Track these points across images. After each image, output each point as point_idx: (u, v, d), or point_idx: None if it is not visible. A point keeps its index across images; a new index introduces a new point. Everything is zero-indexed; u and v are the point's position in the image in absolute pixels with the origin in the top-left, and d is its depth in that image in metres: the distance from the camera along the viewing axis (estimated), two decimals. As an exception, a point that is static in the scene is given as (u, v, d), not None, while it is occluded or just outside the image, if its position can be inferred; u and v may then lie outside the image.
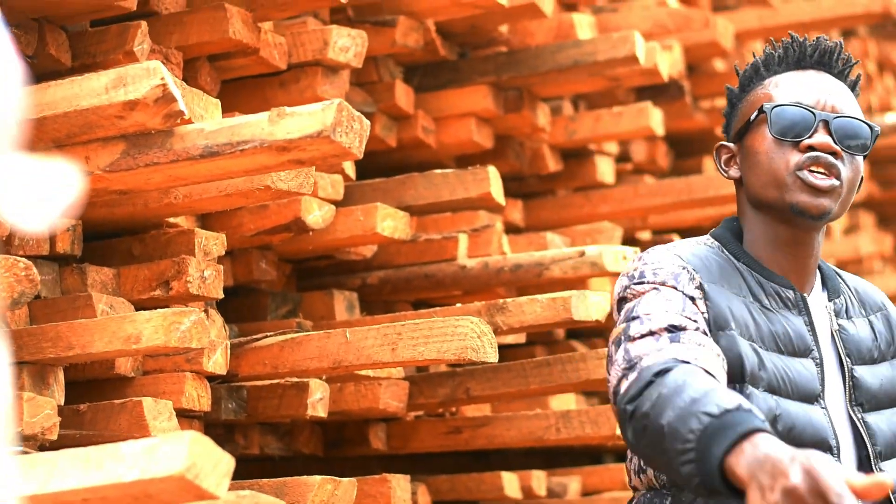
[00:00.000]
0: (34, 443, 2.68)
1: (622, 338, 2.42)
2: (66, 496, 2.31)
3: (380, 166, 3.94)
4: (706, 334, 2.44)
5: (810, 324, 2.57)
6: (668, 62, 4.57)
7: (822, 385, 2.53)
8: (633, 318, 2.44)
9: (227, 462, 2.37)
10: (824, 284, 2.67)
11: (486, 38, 4.03)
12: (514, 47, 4.05)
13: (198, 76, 3.26)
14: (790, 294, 2.57)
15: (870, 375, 2.59)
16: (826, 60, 2.63)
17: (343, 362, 3.09)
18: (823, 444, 2.50)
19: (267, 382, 3.29)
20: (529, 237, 4.00)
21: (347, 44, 3.40)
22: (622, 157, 4.69)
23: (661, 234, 4.61)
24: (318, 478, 3.06)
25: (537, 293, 3.41)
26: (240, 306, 3.61)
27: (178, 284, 3.00)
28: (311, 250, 3.54)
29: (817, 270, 2.66)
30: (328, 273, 3.78)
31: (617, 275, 3.52)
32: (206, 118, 2.93)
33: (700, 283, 2.52)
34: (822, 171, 2.52)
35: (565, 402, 4.04)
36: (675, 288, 2.50)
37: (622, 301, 2.54)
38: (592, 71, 3.90)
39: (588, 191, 4.34)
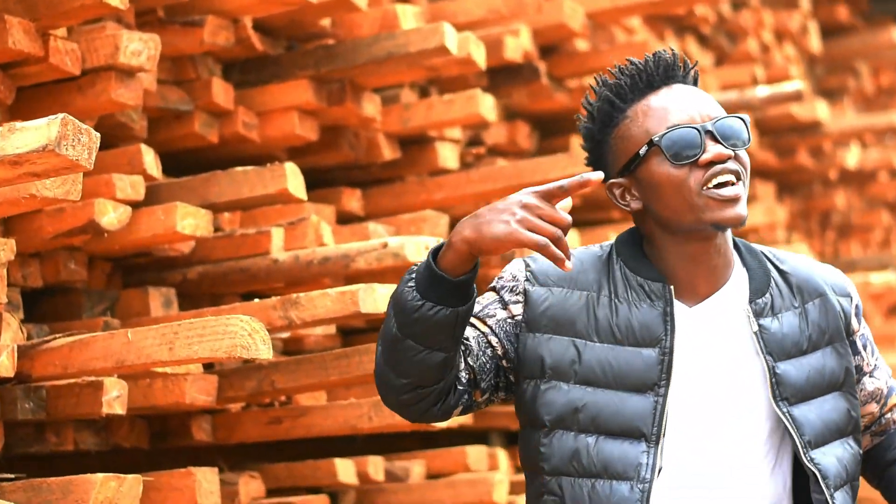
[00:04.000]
0: None
1: None
2: None
3: (208, 162, 4.01)
4: (486, 323, 2.65)
5: (668, 316, 2.63)
6: (514, 46, 4.64)
7: (666, 375, 2.60)
8: None
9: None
10: (750, 284, 2.69)
11: (309, 33, 4.09)
12: (340, 39, 4.11)
13: (-11, 85, 3.34)
14: (656, 287, 2.63)
15: (795, 370, 2.64)
16: (672, 73, 2.67)
17: (126, 361, 3.17)
18: (635, 432, 2.58)
19: (64, 382, 3.37)
20: (355, 228, 4.07)
21: (139, 48, 3.46)
22: (474, 142, 4.75)
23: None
24: (100, 475, 3.14)
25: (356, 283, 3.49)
26: (56, 305, 3.69)
27: (-42, 291, 3.08)
28: (119, 249, 3.62)
29: (736, 266, 2.69)
30: (151, 269, 3.86)
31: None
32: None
33: (523, 290, 2.65)
34: (726, 180, 2.58)
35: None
36: (496, 290, 2.68)
37: None
38: (409, 62, 3.96)
39: (425, 178, 4.40)
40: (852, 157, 7.30)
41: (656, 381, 2.61)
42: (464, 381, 2.61)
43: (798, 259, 2.78)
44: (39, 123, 2.63)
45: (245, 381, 3.63)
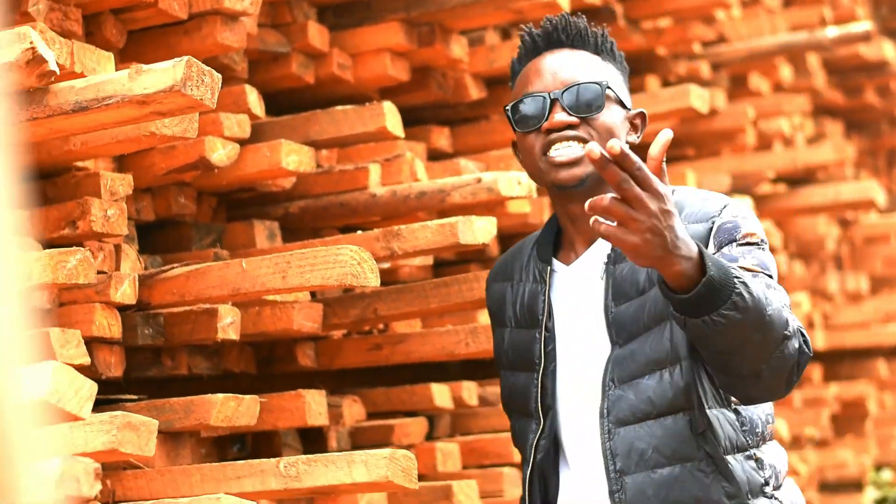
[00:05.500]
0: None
1: None
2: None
3: (304, 102, 4.19)
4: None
5: (545, 296, 2.80)
6: (592, -11, 4.79)
7: (541, 355, 2.78)
8: None
9: (89, 388, 2.66)
10: None
11: (399, -22, 4.26)
12: (427, -16, 4.28)
13: (103, 30, 3.53)
14: (543, 268, 2.82)
15: (625, 311, 2.71)
16: (556, 38, 2.83)
17: (241, 289, 3.37)
18: (526, 410, 2.83)
19: (181, 309, 3.58)
20: (446, 164, 4.25)
21: (244, -8, 3.65)
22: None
23: (591, 154, 4.82)
24: (220, 395, 3.36)
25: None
26: (167, 238, 3.89)
27: (83, 223, 3.28)
28: (225, 185, 3.81)
29: None
30: (253, 204, 4.05)
31: (512, 199, 3.78)
32: (98, 71, 3.19)
33: (487, 289, 3.03)
34: (565, 145, 2.73)
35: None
36: None
37: None
38: (496, 4, 4.12)
39: (511, 116, 4.57)
40: (919, 96, 7.42)
41: (536, 360, 2.79)
42: None
43: (683, 196, 2.77)
44: (165, 65, 2.83)
45: (349, 310, 3.82)
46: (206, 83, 2.81)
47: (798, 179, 6.24)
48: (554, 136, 2.74)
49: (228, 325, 3.57)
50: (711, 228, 2.69)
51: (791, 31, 6.28)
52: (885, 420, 7.19)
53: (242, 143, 3.72)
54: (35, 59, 2.82)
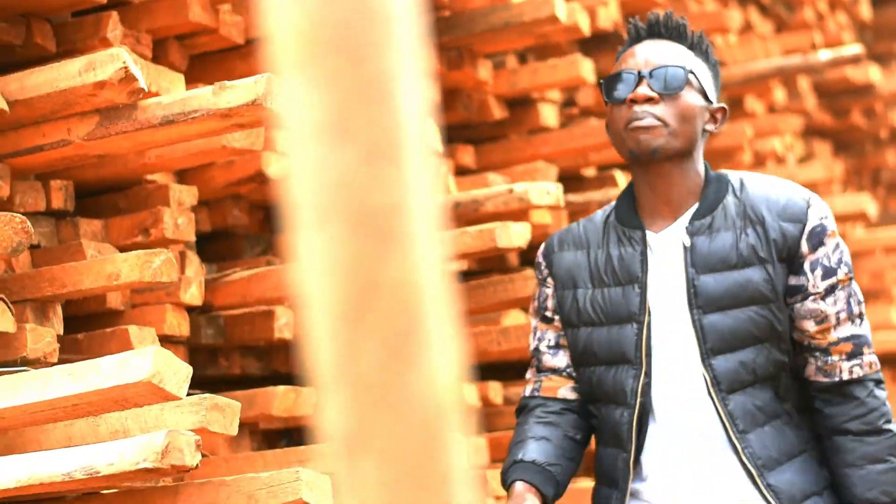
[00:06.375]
0: (38, 365, 3.27)
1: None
2: (58, 402, 2.91)
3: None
4: (549, 320, 3.25)
5: (644, 255, 3.09)
6: (606, 15, 5.12)
7: (644, 306, 3.07)
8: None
9: (185, 370, 2.95)
10: (698, 208, 3.10)
11: (429, 4, 4.58)
12: (455, 11, 4.60)
13: (168, 54, 3.83)
14: (636, 234, 3.11)
15: (714, 282, 3.04)
16: (656, 30, 3.17)
17: (299, 291, 3.67)
18: (622, 359, 3.09)
19: (239, 311, 3.87)
20: (475, 178, 4.56)
21: (296, 19, 3.95)
22: (569, 103, 5.24)
23: (604, 170, 5.15)
24: (281, 388, 3.66)
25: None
26: (220, 248, 4.19)
27: (156, 231, 3.59)
28: (275, 197, 4.12)
29: (698, 195, 3.11)
30: (297, 217, 4.35)
31: (543, 207, 4.10)
32: (170, 91, 3.50)
33: (547, 264, 3.25)
34: (642, 117, 3.04)
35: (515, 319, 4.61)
36: (537, 279, 3.29)
37: None
38: (522, 30, 4.44)
39: (532, 135, 4.89)
40: (902, 118, 7.78)
41: (637, 312, 3.09)
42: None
43: (763, 186, 3.10)
44: (248, 81, 3.13)
45: (390, 311, 4.12)
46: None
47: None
48: (637, 108, 3.04)
49: (284, 325, 3.87)
50: (803, 230, 3.02)
51: (785, 54, 6.63)
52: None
53: (293, 157, 4.02)
54: (127, 78, 3.12)
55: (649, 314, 3.07)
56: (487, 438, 4.53)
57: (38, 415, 2.94)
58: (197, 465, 2.83)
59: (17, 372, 3.07)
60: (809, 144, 7.13)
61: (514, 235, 3.88)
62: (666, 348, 3.07)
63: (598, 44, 5.34)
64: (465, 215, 4.18)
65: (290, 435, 4.24)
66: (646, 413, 3.06)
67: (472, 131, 4.93)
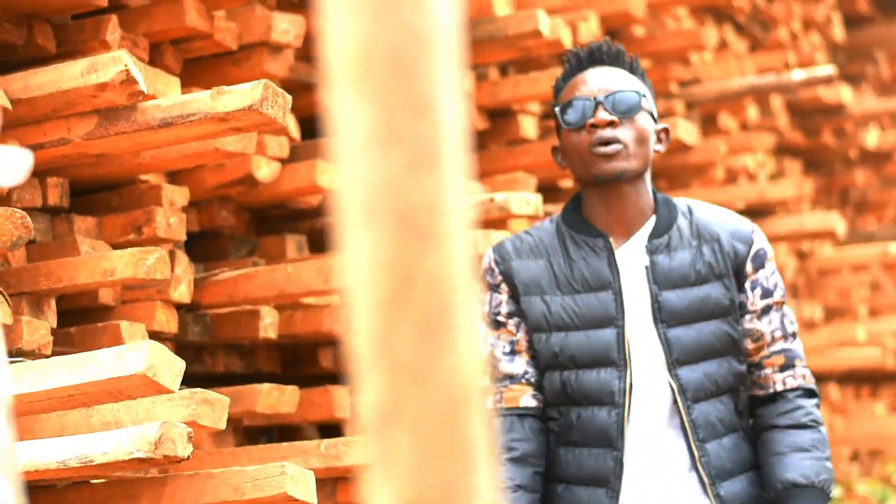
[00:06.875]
0: (32, 357, 3.37)
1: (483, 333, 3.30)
2: (55, 393, 3.00)
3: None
4: (500, 325, 3.28)
5: (612, 263, 3.21)
6: (586, 30, 5.24)
7: (621, 310, 3.19)
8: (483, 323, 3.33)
9: (178, 364, 3.05)
10: (654, 228, 3.23)
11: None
12: (441, 23, 4.71)
13: (164, 57, 3.94)
14: (598, 242, 3.23)
15: (677, 297, 3.18)
16: (598, 57, 3.29)
17: (286, 291, 3.78)
18: (605, 361, 3.18)
19: (226, 310, 3.98)
20: (456, 186, 4.67)
21: (288, 27, 4.07)
22: (548, 115, 5.36)
23: (581, 182, 5.27)
24: (266, 385, 3.76)
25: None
26: (206, 248, 4.30)
27: (149, 230, 3.69)
28: (264, 200, 4.23)
29: (652, 215, 3.24)
30: (283, 219, 4.47)
31: (522, 216, 4.22)
32: (166, 94, 3.61)
33: (501, 270, 3.29)
34: (605, 141, 3.16)
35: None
36: (486, 286, 3.33)
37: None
38: (506, 43, 4.57)
39: (512, 146, 5.01)
40: (872, 138, 7.93)
41: (615, 316, 3.22)
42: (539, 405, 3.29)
43: (712, 211, 3.30)
44: (244, 87, 3.24)
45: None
46: (279, 104, 3.23)
47: (759, 212, 6.72)
48: (597, 133, 3.16)
49: (268, 324, 3.98)
50: (749, 251, 3.21)
51: (758, 73, 6.77)
52: (834, 441, 7.66)
53: (283, 162, 4.13)
54: (128, 80, 3.23)
55: (624, 318, 3.19)
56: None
57: (35, 404, 3.04)
58: (188, 456, 2.94)
59: (12, 363, 3.17)
60: (781, 162, 7.27)
61: (494, 242, 3.99)
62: (640, 354, 3.20)
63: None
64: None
65: (271, 433, 4.35)
66: (628, 413, 3.18)
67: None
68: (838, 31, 8.01)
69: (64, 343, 3.57)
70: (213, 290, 3.90)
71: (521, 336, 3.24)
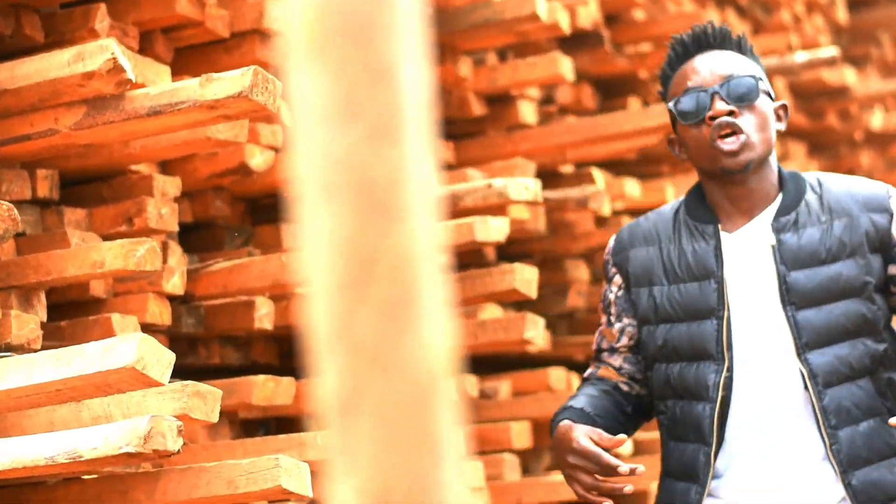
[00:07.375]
0: (22, 351, 3.32)
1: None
2: (43, 387, 2.95)
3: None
4: (614, 318, 3.25)
5: (718, 251, 3.10)
6: (585, 14, 5.18)
7: (723, 301, 3.08)
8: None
9: (169, 357, 3.00)
10: (780, 206, 3.10)
11: (412, 1, 4.63)
12: (437, 7, 4.65)
13: (154, 46, 3.88)
14: (708, 228, 3.13)
15: (805, 278, 3.05)
16: (705, 42, 3.17)
17: (281, 281, 3.73)
18: (704, 354, 3.09)
19: (220, 301, 3.92)
20: (454, 174, 4.62)
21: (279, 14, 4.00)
22: (547, 100, 5.30)
23: (581, 167, 5.21)
24: (261, 377, 3.71)
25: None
26: (201, 238, 4.24)
27: (140, 220, 3.63)
28: (258, 190, 4.17)
29: (778, 194, 3.11)
30: (277, 209, 4.41)
31: (521, 203, 4.16)
32: (156, 83, 3.55)
33: (616, 262, 3.24)
34: (727, 133, 3.04)
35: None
36: (605, 278, 3.28)
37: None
38: (503, 28, 4.50)
39: (511, 131, 4.95)
40: (876, 120, 7.85)
41: (716, 307, 3.13)
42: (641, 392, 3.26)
43: (842, 182, 3.16)
44: (234, 74, 3.18)
45: (369, 304, 4.18)
46: (270, 90, 3.17)
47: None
48: (718, 123, 3.02)
49: (264, 315, 3.92)
50: (891, 219, 3.08)
51: (761, 56, 6.69)
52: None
53: (277, 151, 4.07)
54: (115, 69, 3.17)
55: (728, 309, 3.10)
56: (464, 431, 4.58)
57: (23, 399, 2.98)
58: (179, 450, 2.88)
59: (0, 357, 3.12)
60: (785, 145, 7.20)
61: (493, 230, 3.94)
62: (750, 343, 3.08)
63: (577, 42, 5.40)
64: (444, 210, 4.23)
65: (268, 425, 4.29)
66: (726, 408, 3.07)
67: (451, 127, 4.99)
68: (841, 13, 7.93)
69: (55, 337, 3.51)
70: (208, 280, 3.85)
71: (623, 341, 3.23)
